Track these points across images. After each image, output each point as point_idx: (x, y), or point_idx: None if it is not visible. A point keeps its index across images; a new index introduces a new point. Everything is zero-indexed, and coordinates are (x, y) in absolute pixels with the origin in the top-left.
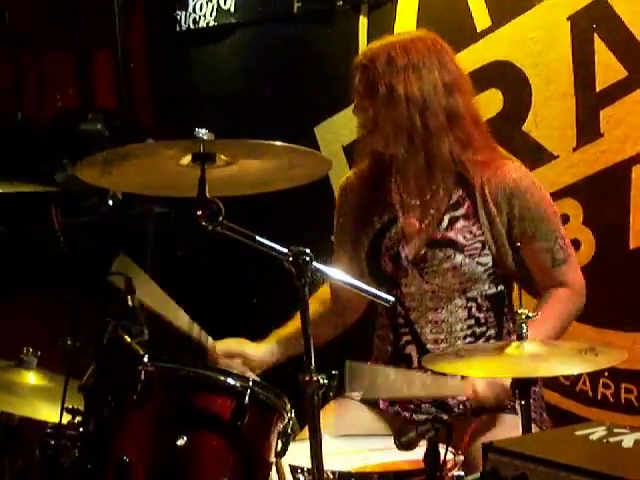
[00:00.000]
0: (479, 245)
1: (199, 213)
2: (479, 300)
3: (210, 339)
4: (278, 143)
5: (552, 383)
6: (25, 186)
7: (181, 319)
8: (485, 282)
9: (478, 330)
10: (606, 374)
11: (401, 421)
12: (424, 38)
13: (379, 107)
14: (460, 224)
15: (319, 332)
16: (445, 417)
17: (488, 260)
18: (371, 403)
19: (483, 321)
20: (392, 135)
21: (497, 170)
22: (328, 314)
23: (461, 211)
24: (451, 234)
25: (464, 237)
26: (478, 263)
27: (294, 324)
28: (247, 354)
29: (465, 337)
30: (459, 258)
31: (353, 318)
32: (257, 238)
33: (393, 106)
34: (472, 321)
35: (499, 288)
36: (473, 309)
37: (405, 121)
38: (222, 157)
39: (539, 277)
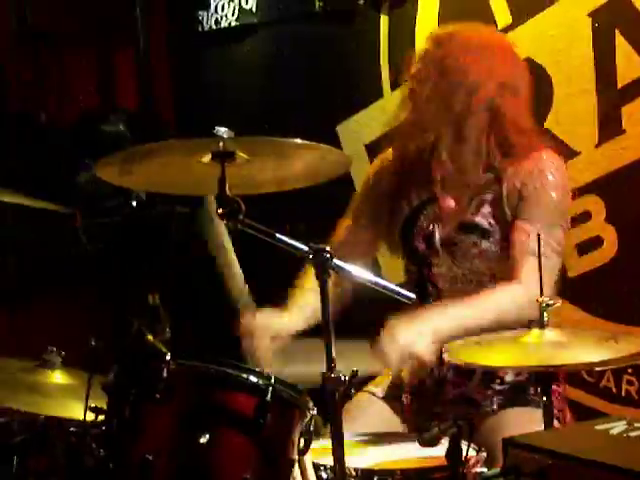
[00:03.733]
0: (503, 232)
1: (220, 211)
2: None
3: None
4: (297, 140)
5: (576, 380)
6: (44, 203)
7: (237, 278)
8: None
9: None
10: (630, 370)
11: (424, 416)
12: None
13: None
14: (486, 209)
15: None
16: (470, 412)
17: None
18: (393, 399)
19: None
20: (450, 122)
21: (526, 158)
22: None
23: (488, 196)
24: (477, 219)
25: (489, 223)
26: (503, 248)
27: (303, 291)
28: (279, 330)
29: None
30: (485, 244)
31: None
32: (277, 235)
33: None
34: None
35: None
36: None
37: (458, 106)
38: (242, 155)
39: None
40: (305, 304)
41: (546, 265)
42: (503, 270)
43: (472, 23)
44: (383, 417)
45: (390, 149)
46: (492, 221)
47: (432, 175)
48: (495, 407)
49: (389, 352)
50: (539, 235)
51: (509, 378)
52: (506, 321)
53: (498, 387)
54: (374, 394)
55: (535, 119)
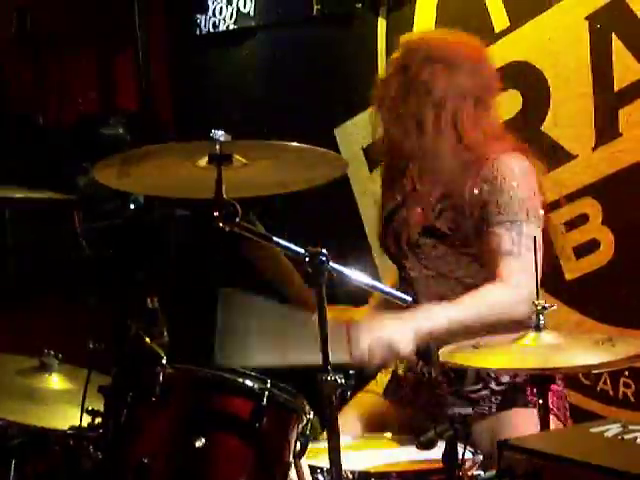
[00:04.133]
0: (461, 237)
1: (216, 214)
2: (481, 283)
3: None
4: (294, 144)
5: (573, 383)
6: (45, 192)
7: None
8: (480, 272)
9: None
10: (627, 373)
11: (424, 417)
12: (467, 43)
13: (417, 104)
14: (448, 215)
15: None
16: (469, 411)
17: (474, 250)
18: (394, 399)
19: None
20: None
21: (486, 162)
22: None
23: (450, 201)
24: (438, 223)
25: (448, 227)
26: (462, 254)
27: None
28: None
29: None
30: (442, 248)
31: None
32: (274, 239)
33: (429, 102)
34: None
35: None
36: None
37: (428, 119)
38: (239, 158)
39: (486, 264)
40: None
41: (521, 261)
42: (470, 275)
43: (443, 30)
44: (383, 416)
45: None
46: (452, 226)
47: (403, 182)
48: (494, 409)
49: (363, 338)
50: (514, 236)
51: (505, 379)
52: (490, 320)
53: (495, 387)
54: (373, 392)
55: (532, 122)
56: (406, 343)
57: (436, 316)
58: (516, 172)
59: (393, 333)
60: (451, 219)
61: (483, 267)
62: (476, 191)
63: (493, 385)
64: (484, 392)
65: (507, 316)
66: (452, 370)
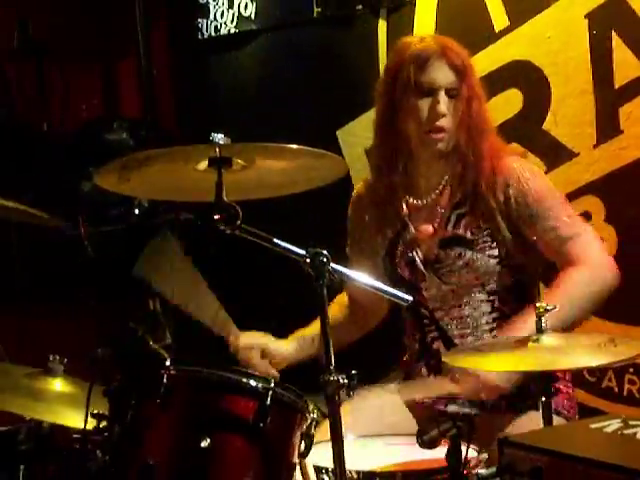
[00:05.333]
0: (487, 239)
1: (217, 217)
2: (501, 293)
3: (235, 328)
4: (293, 146)
5: (578, 380)
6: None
7: (207, 307)
8: (502, 274)
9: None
10: (631, 370)
11: (429, 415)
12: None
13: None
14: (466, 220)
15: (337, 337)
16: (476, 412)
17: (498, 253)
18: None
19: (509, 313)
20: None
21: (495, 165)
22: (346, 320)
23: (465, 208)
24: (459, 231)
25: (471, 232)
26: (489, 256)
27: (317, 324)
28: (269, 348)
29: (491, 330)
30: (469, 254)
31: (372, 324)
32: (275, 240)
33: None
34: (497, 314)
35: (518, 280)
36: (496, 302)
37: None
38: (239, 161)
39: (554, 259)
40: (308, 335)
41: (593, 234)
42: (494, 280)
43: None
44: (384, 417)
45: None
46: (474, 230)
47: (399, 208)
48: (503, 407)
49: (466, 382)
50: (565, 220)
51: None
52: (589, 305)
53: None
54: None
55: (533, 121)
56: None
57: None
58: (533, 170)
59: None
60: (471, 223)
61: (506, 268)
62: (500, 197)
63: None
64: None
65: (604, 292)
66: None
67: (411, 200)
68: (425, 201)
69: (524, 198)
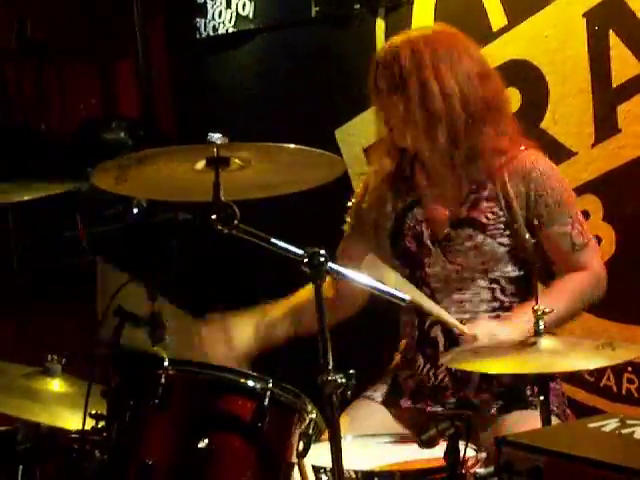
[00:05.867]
0: (501, 226)
1: (214, 217)
2: (503, 283)
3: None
4: (291, 145)
5: (576, 379)
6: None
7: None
8: (507, 264)
9: (503, 315)
10: (630, 369)
11: (423, 418)
12: (445, 31)
13: (411, 104)
14: (484, 205)
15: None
16: (468, 413)
17: (509, 241)
18: (391, 403)
19: (508, 305)
20: (427, 129)
21: (517, 155)
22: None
23: (484, 193)
24: (474, 214)
25: (487, 217)
26: (500, 244)
27: (283, 306)
28: (232, 338)
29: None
30: (480, 237)
31: (350, 312)
32: (272, 240)
33: (429, 101)
34: (496, 304)
35: (522, 272)
36: (497, 292)
37: (445, 114)
38: (236, 161)
39: (558, 262)
40: (271, 319)
41: (593, 248)
42: (500, 268)
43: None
44: (382, 422)
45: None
46: (490, 216)
47: (415, 182)
48: (494, 411)
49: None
50: (578, 228)
51: (506, 379)
52: (579, 308)
53: (496, 390)
54: (372, 399)
55: (531, 120)
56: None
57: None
58: (554, 169)
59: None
60: (488, 209)
61: (514, 259)
62: (522, 187)
63: (494, 388)
64: (485, 395)
65: (600, 298)
66: (458, 374)
67: (424, 180)
68: (441, 190)
69: (544, 197)
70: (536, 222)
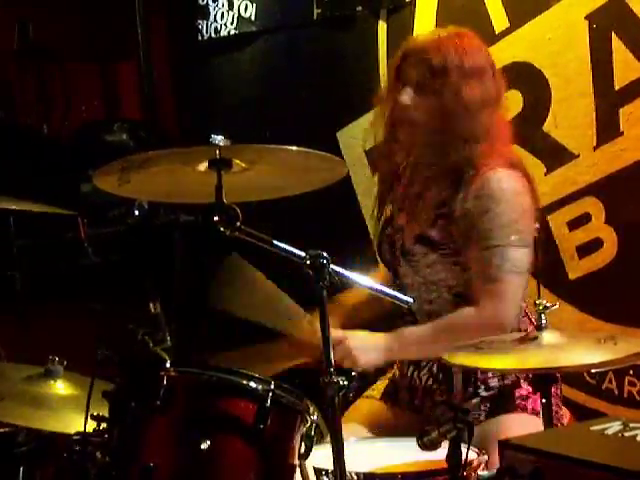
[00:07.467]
0: (453, 246)
1: (216, 219)
2: (468, 297)
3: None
4: (293, 148)
5: (578, 382)
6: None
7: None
8: (469, 280)
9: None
10: (631, 372)
11: (422, 419)
12: (479, 44)
13: (444, 98)
14: (441, 222)
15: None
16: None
17: (463, 260)
18: (392, 402)
19: None
20: (438, 129)
21: (483, 174)
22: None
23: (444, 210)
24: (431, 232)
25: (441, 236)
26: (455, 263)
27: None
28: None
29: None
30: (433, 256)
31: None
32: (274, 242)
33: (457, 102)
34: None
35: None
36: (462, 305)
37: (460, 121)
38: (238, 163)
39: (472, 284)
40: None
41: (501, 288)
42: (460, 284)
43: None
44: (383, 421)
45: None
46: (444, 234)
47: (396, 191)
48: (482, 417)
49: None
50: (500, 261)
51: (494, 383)
52: (460, 341)
53: (484, 393)
54: (373, 398)
55: (533, 122)
56: (367, 360)
57: (406, 340)
58: (506, 192)
59: (360, 347)
60: (444, 228)
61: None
62: (467, 205)
63: (482, 392)
64: (474, 400)
65: (478, 339)
66: (440, 374)
67: (403, 190)
68: (417, 194)
69: (481, 217)
70: (467, 238)
